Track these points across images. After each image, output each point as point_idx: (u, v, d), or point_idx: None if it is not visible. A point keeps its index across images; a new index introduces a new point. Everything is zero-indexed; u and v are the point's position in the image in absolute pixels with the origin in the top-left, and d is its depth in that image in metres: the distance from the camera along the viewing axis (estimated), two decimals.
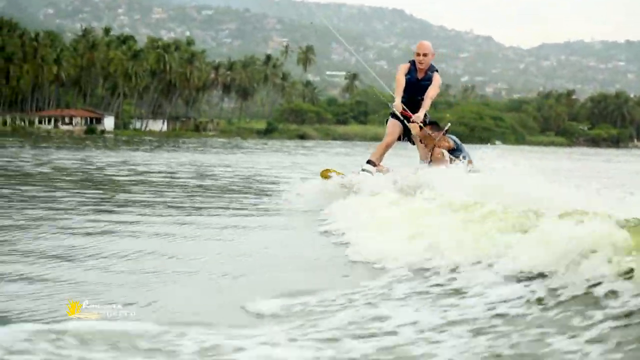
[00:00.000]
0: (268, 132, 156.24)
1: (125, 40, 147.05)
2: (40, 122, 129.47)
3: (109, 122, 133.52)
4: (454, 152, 11.36)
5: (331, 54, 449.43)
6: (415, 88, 11.46)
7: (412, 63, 11.59)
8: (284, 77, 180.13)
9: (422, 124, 11.42)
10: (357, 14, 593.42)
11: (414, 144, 11.96)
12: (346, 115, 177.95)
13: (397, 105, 11.38)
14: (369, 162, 11.86)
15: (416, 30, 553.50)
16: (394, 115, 11.79)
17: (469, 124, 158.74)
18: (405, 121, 11.73)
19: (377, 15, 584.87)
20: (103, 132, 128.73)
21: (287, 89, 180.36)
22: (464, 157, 11.17)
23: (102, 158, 34.55)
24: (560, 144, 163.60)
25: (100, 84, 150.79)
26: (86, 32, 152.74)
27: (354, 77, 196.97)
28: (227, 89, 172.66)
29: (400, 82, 11.46)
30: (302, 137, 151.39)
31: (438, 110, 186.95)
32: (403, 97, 11.48)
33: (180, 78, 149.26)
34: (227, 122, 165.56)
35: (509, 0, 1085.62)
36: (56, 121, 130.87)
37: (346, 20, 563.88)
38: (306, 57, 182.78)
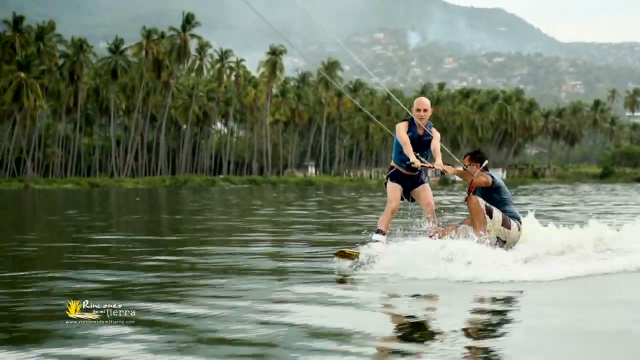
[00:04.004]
0: (604, 176, 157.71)
1: (468, 94, 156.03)
2: None
3: None
4: (492, 190, 11.08)
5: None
6: (418, 144, 11.29)
7: (411, 120, 11.43)
8: (612, 121, 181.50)
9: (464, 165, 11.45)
10: None
11: (413, 201, 11.69)
12: None
13: (416, 162, 11.08)
14: (378, 231, 11.39)
15: None
16: (392, 178, 11.57)
17: None
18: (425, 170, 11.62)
19: None
20: (454, 182, 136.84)
21: (615, 132, 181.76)
22: (511, 216, 11.17)
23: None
24: None
25: None
26: (425, 89, 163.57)
27: None
28: (556, 135, 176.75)
29: (406, 139, 11.18)
30: None
31: None
32: (407, 157, 11.27)
33: (519, 127, 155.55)
34: (560, 167, 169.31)
35: None
36: None
37: None
38: (633, 100, 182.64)
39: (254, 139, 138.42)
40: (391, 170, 11.55)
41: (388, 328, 7.31)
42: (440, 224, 11.42)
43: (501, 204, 10.95)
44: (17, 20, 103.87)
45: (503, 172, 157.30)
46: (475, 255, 10.09)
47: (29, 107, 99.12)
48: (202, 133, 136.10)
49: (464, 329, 7.06)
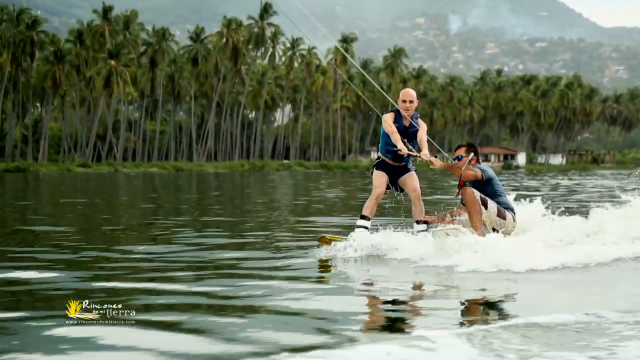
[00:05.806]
0: None
1: (529, 80, 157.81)
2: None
3: (521, 158, 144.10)
4: (483, 184, 10.94)
5: None
6: (404, 135, 11.37)
7: (397, 112, 11.45)
8: None
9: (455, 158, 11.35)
10: None
11: (402, 191, 11.74)
12: None
13: (404, 150, 11.16)
14: (362, 217, 11.54)
15: None
16: (378, 167, 11.66)
17: None
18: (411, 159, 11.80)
19: None
20: (517, 167, 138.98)
21: None
22: (505, 207, 10.99)
23: None
24: None
25: (487, 121, 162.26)
26: (484, 75, 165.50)
27: None
28: (613, 120, 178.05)
29: (393, 128, 11.28)
30: None
31: None
32: (394, 146, 11.32)
33: (579, 114, 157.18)
34: (618, 153, 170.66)
35: None
36: None
37: None
38: None
39: (318, 125, 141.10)
40: (377, 161, 11.68)
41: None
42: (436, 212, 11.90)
43: (494, 195, 10.90)
44: (107, 10, 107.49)
45: (562, 158, 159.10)
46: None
47: (119, 93, 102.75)
48: (266, 118, 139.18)
49: None
